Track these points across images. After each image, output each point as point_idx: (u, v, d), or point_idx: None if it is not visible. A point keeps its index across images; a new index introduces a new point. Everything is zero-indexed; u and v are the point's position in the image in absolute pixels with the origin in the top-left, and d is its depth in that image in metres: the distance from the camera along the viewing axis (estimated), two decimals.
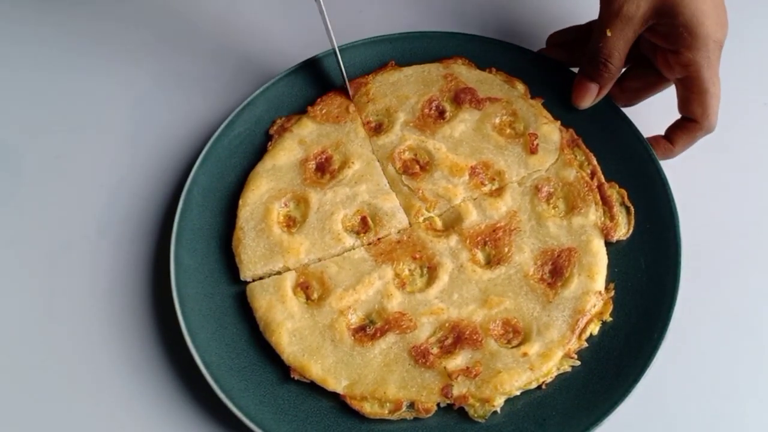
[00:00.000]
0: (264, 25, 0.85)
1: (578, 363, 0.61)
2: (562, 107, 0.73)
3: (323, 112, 0.75)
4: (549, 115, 0.73)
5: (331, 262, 0.67)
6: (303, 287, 0.66)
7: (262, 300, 0.66)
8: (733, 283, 0.68)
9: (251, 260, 0.67)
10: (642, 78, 0.70)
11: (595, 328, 0.62)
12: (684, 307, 0.62)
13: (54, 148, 0.78)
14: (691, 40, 0.60)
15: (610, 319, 0.63)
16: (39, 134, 0.79)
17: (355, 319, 0.64)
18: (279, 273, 0.67)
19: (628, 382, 0.59)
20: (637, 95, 0.71)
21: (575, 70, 0.74)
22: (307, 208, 0.70)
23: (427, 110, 0.75)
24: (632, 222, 0.66)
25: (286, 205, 0.70)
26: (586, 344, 0.62)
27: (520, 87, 0.75)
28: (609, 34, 0.64)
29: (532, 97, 0.74)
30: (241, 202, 0.70)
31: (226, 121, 0.73)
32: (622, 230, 0.66)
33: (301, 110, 0.76)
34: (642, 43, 0.67)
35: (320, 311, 0.65)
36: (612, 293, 0.64)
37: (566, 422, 0.58)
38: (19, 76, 0.83)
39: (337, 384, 0.61)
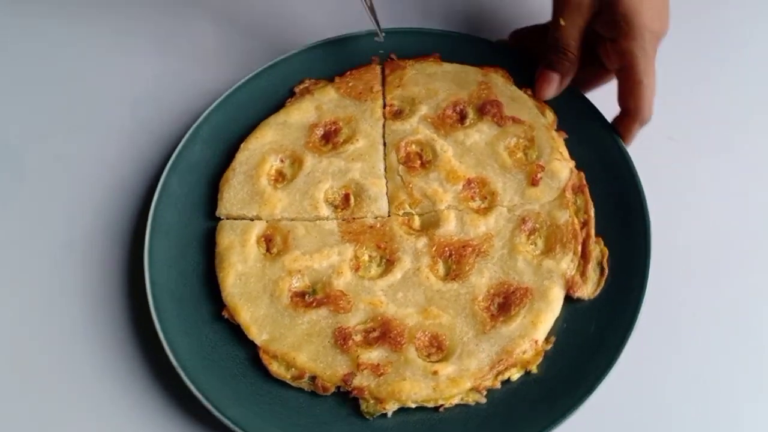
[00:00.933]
0: (265, 22, 0.86)
1: (483, 401, 0.60)
2: (582, 148, 0.71)
3: (349, 85, 0.76)
4: (566, 153, 0.70)
5: (300, 224, 0.69)
6: (267, 239, 0.69)
7: (226, 238, 0.69)
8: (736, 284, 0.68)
9: (230, 200, 0.71)
10: (589, 70, 0.72)
11: (515, 375, 0.60)
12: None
13: (54, 148, 0.78)
14: (627, 29, 0.63)
15: (536, 371, 0.60)
16: (39, 134, 0.79)
17: (299, 283, 0.66)
18: (250, 220, 0.70)
19: None
20: (584, 86, 0.74)
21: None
22: (299, 169, 0.72)
23: (449, 111, 0.74)
24: (601, 285, 0.63)
25: (282, 161, 0.73)
26: (499, 386, 0.60)
27: (550, 116, 0.72)
28: (563, 23, 0.66)
29: (557, 130, 0.71)
30: (242, 145, 0.73)
31: (254, 72, 0.76)
32: (589, 290, 0.64)
33: (331, 78, 0.77)
34: (589, 34, 0.68)
35: (272, 266, 0.67)
36: (549, 347, 0.61)
37: None
38: (19, 76, 0.83)
39: (258, 335, 0.64)
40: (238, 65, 0.81)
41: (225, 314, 0.65)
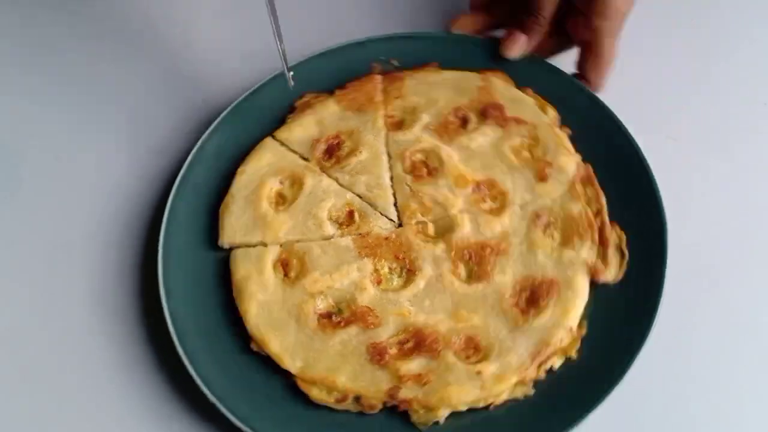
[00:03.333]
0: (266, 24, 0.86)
1: (531, 392, 0.60)
2: (587, 142, 0.73)
3: (350, 97, 0.77)
4: (571, 147, 0.73)
5: (315, 245, 0.70)
6: (283, 264, 0.69)
7: (242, 267, 0.69)
8: (733, 288, 0.69)
9: (233, 228, 0.71)
10: (551, 39, 0.77)
11: (557, 362, 0.61)
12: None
13: (54, 148, 0.80)
14: (602, 8, 0.69)
15: (575, 356, 0.62)
16: (39, 135, 0.80)
17: (324, 304, 0.66)
18: (254, 246, 0.70)
19: (575, 419, 0.58)
20: (543, 53, 0.78)
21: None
22: (300, 190, 0.72)
23: (451, 117, 0.76)
24: (623, 268, 0.65)
25: (281, 183, 0.73)
26: (543, 376, 0.61)
27: (551, 113, 0.75)
28: None
29: (561, 126, 0.74)
30: (239, 169, 0.74)
31: (253, 89, 0.76)
32: (612, 274, 0.66)
33: (331, 91, 0.78)
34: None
35: (293, 290, 0.67)
36: (584, 332, 0.63)
37: None
38: (19, 76, 0.84)
39: (291, 363, 0.63)
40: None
41: (254, 347, 0.65)
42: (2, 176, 0.78)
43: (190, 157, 0.73)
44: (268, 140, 0.76)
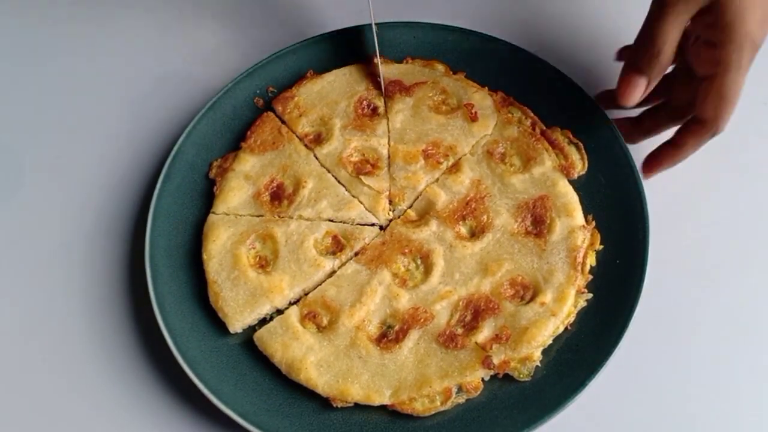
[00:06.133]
0: (267, 23, 0.88)
1: (590, 295, 0.67)
2: (483, 75, 0.79)
3: (257, 143, 0.76)
4: (475, 84, 0.78)
5: (328, 285, 0.69)
6: (310, 317, 0.68)
7: (275, 344, 0.66)
8: (735, 287, 0.72)
9: (236, 311, 0.68)
10: (654, 118, 0.72)
11: (592, 259, 0.68)
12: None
13: (54, 148, 0.81)
14: (731, 36, 0.58)
15: (601, 246, 0.69)
16: (39, 134, 0.82)
17: (373, 329, 0.67)
18: (269, 315, 0.69)
19: (636, 284, 0.66)
20: (647, 134, 0.73)
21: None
22: (275, 243, 0.71)
23: (360, 110, 0.78)
24: (584, 156, 0.73)
25: (252, 246, 0.71)
26: (590, 276, 0.68)
27: (440, 67, 0.80)
28: (667, 20, 0.61)
29: (454, 73, 0.79)
30: (205, 256, 0.70)
31: (162, 175, 0.73)
32: (579, 165, 0.73)
33: (233, 147, 0.77)
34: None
35: (336, 334, 0.66)
36: (593, 223, 0.70)
37: (598, 345, 0.65)
38: (19, 76, 0.86)
39: (381, 397, 0.64)
40: (236, 64, 0.83)
41: (337, 404, 0.64)
42: (2, 176, 0.80)
43: (148, 270, 0.69)
44: (212, 217, 0.72)
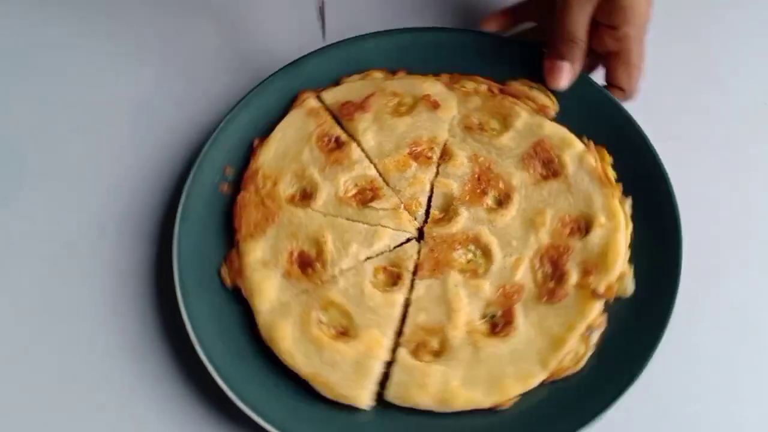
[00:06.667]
0: (267, 22, 0.88)
1: (629, 197, 0.72)
2: (421, 65, 0.80)
3: (251, 227, 0.72)
4: (419, 76, 0.80)
5: (413, 313, 0.68)
6: (421, 348, 0.66)
7: (412, 391, 0.64)
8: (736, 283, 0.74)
9: (354, 388, 0.65)
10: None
11: (608, 168, 0.73)
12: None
13: (55, 148, 0.81)
14: (629, 16, 0.70)
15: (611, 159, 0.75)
16: (40, 134, 0.82)
17: (482, 326, 0.67)
18: (382, 373, 0.66)
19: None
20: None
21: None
22: (339, 306, 0.68)
23: (326, 148, 0.76)
24: (550, 94, 0.77)
25: (320, 321, 0.68)
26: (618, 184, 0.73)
27: (378, 74, 0.81)
28: (574, 10, 0.71)
29: (393, 73, 0.80)
30: (287, 358, 0.66)
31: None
32: (550, 104, 0.77)
33: (226, 241, 0.73)
34: None
35: (455, 350, 0.66)
36: (591, 142, 0.75)
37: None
38: (20, 76, 0.86)
39: (535, 376, 0.64)
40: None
41: (505, 406, 0.63)
42: (3, 176, 0.80)
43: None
44: (263, 318, 0.68)
